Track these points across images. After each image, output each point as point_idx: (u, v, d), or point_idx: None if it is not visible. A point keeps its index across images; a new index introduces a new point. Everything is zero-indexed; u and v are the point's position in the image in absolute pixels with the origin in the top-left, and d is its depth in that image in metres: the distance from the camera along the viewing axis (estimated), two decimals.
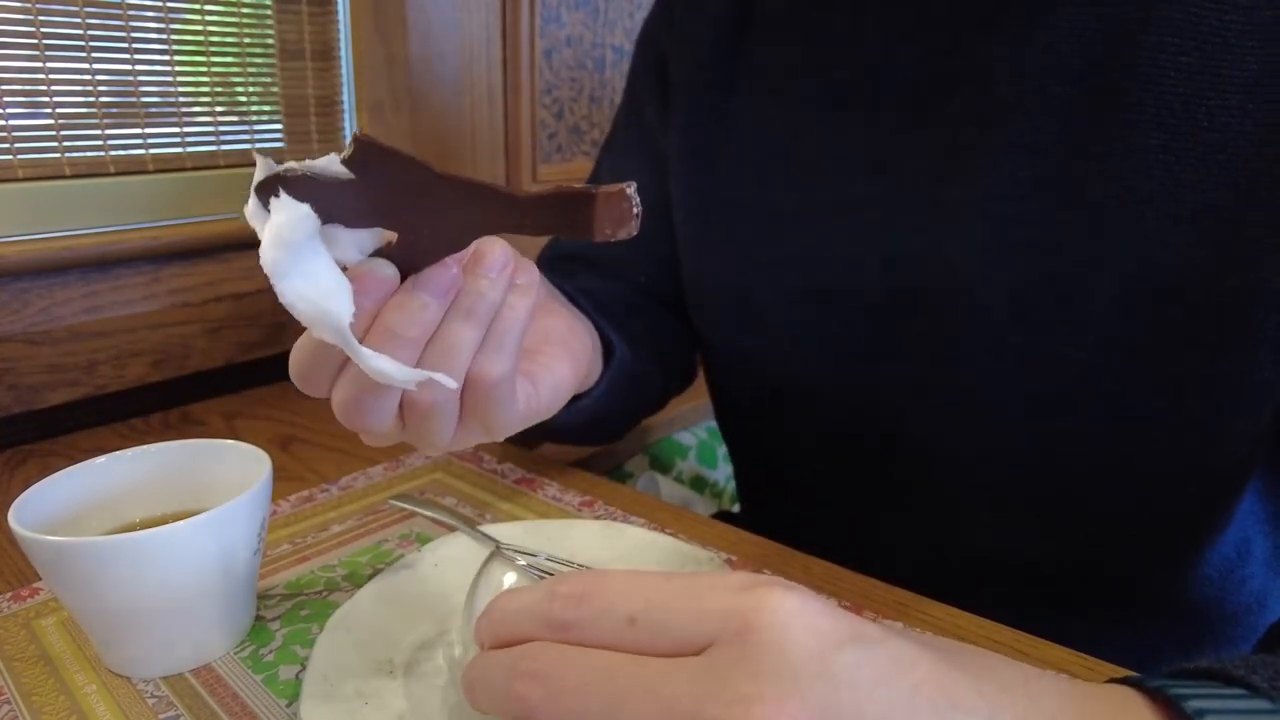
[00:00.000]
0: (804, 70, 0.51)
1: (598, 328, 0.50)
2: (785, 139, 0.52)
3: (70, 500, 0.41)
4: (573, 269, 0.63)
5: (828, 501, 0.58)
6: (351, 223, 0.29)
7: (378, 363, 0.28)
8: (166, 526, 0.36)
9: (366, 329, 0.30)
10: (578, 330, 0.44)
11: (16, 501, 0.38)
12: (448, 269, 0.30)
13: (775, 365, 0.55)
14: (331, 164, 0.28)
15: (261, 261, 0.27)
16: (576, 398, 0.48)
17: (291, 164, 0.28)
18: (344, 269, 0.29)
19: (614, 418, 0.57)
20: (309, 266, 0.28)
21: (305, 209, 0.27)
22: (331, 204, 0.28)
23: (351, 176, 0.27)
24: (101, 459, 0.43)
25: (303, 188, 0.27)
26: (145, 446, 0.44)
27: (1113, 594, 0.51)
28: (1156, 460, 0.45)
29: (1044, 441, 0.46)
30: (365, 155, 0.27)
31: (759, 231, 0.53)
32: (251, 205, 0.28)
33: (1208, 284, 0.40)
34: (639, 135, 0.62)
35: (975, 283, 0.45)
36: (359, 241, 0.29)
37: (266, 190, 0.28)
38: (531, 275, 0.33)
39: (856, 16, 0.49)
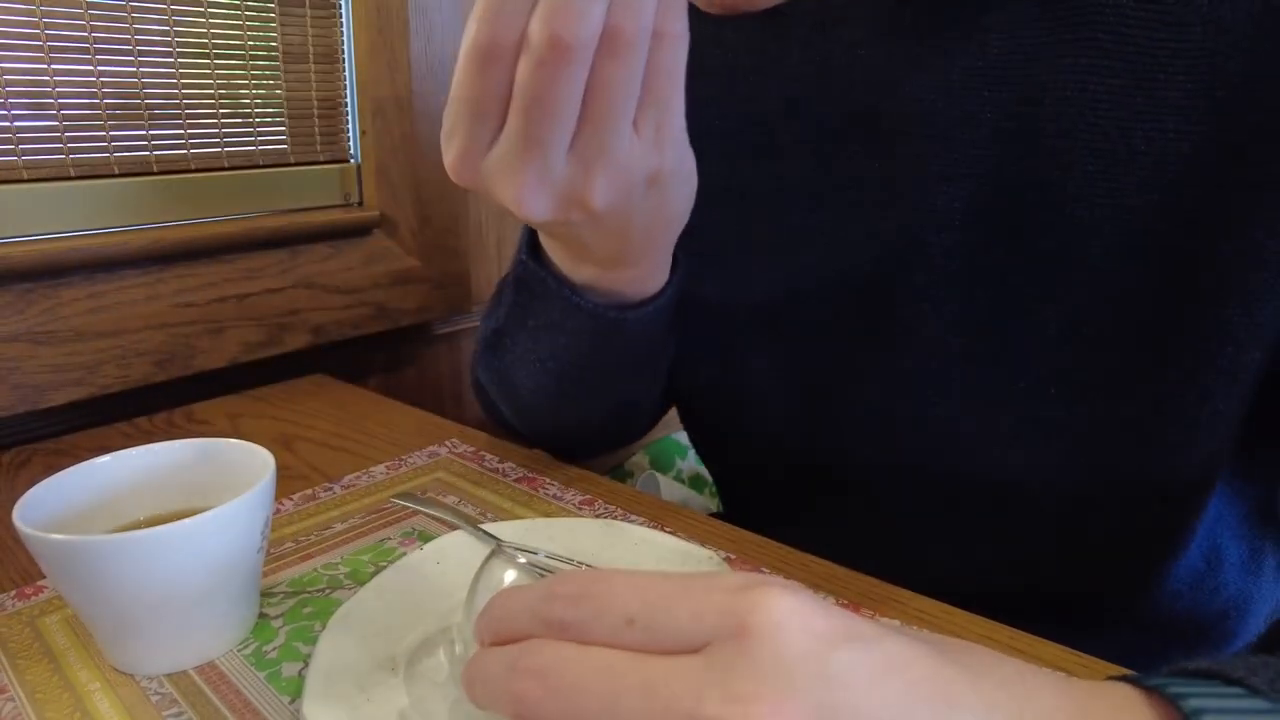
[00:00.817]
0: (736, 103, 0.50)
1: None
2: (722, 172, 0.51)
3: (74, 499, 0.42)
4: None
5: (792, 523, 0.58)
6: None
7: None
8: (170, 525, 0.37)
9: None
10: None
11: (21, 500, 0.38)
12: None
13: (733, 388, 0.55)
14: None
15: None
16: (643, 303, 0.48)
17: None
18: None
19: (653, 359, 0.55)
20: None
21: None
22: None
23: None
24: (106, 458, 0.44)
25: None
26: (149, 445, 0.45)
27: (1077, 612, 0.50)
28: (1112, 484, 0.44)
29: (999, 468, 0.46)
30: None
31: (706, 260, 0.52)
32: None
33: (1158, 314, 0.40)
34: None
35: (919, 316, 0.44)
36: None
37: None
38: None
39: (783, 48, 0.48)
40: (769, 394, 0.53)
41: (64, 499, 0.41)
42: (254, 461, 0.43)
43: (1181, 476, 0.44)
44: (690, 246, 0.52)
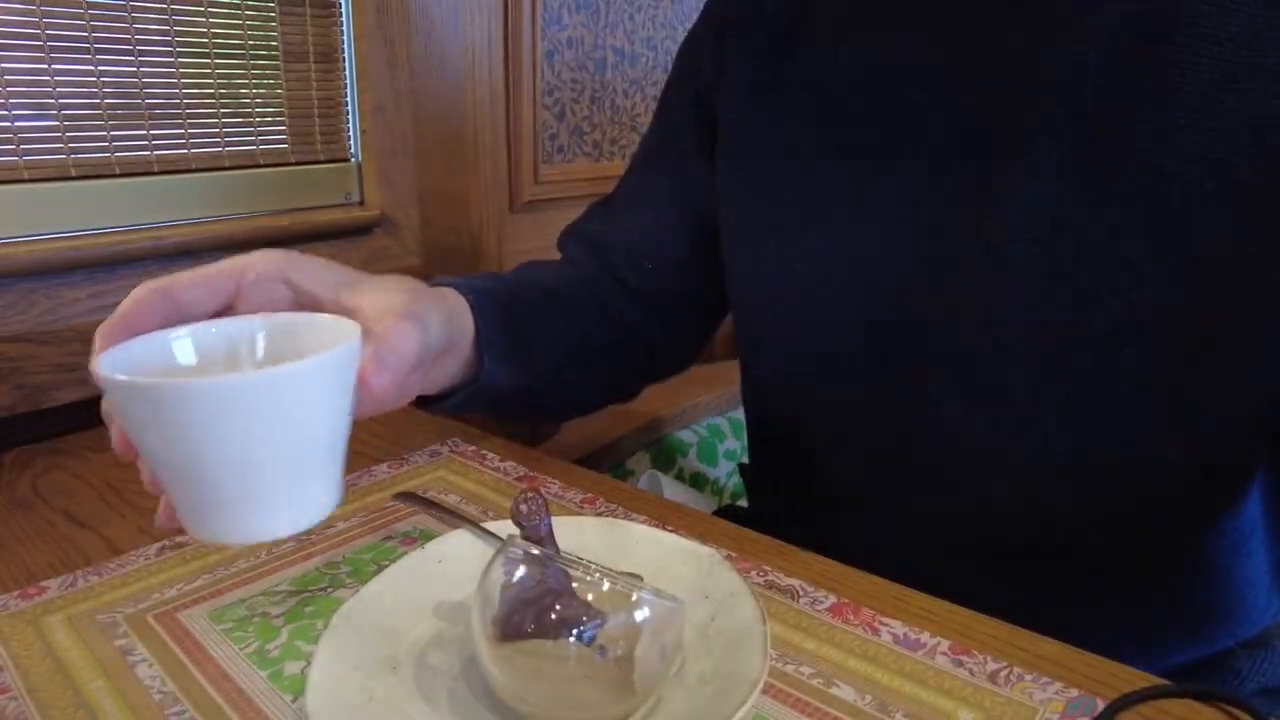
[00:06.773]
0: (847, 62, 0.53)
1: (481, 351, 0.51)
2: (831, 129, 0.54)
3: (148, 369, 0.36)
4: (586, 250, 0.67)
5: (845, 479, 0.59)
6: None
7: None
8: (291, 365, 0.32)
9: None
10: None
11: (103, 356, 0.34)
12: None
13: (816, 345, 0.56)
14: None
15: None
16: (442, 396, 0.51)
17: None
18: None
19: (529, 403, 0.58)
20: None
21: None
22: None
23: None
24: (181, 329, 0.38)
25: None
26: (226, 320, 0.39)
27: (1117, 574, 0.52)
28: (1170, 436, 0.46)
29: (1068, 418, 0.47)
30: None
31: (806, 219, 0.55)
32: None
33: (1229, 257, 0.42)
34: (666, 148, 0.65)
35: (1009, 260, 0.47)
36: None
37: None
38: None
39: (896, 9, 0.51)
40: (855, 338, 0.54)
41: (138, 368, 0.35)
42: (339, 331, 0.38)
43: (1238, 425, 0.46)
44: (794, 200, 0.55)
